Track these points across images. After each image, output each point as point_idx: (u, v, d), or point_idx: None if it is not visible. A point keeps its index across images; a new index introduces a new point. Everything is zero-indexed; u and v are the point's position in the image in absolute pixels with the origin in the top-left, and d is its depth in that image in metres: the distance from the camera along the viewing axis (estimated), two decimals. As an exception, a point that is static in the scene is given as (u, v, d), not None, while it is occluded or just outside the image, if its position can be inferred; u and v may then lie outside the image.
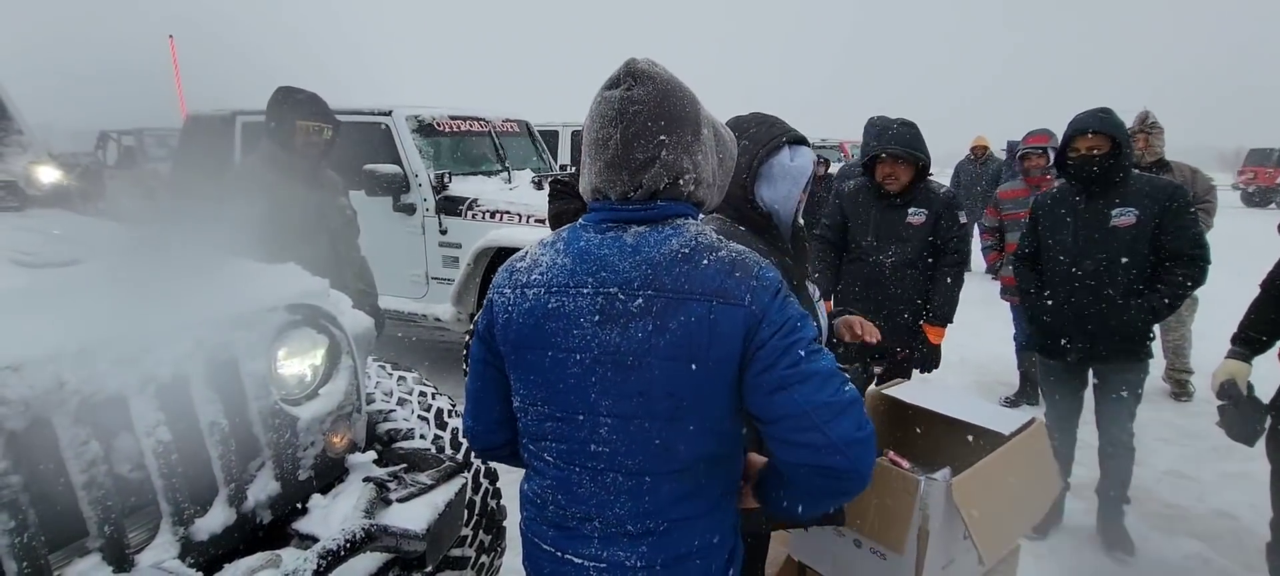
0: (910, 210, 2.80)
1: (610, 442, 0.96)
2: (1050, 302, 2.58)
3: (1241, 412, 2.01)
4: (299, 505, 1.45)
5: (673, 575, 1.00)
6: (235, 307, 1.35)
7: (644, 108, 0.95)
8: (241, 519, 1.31)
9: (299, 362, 1.49)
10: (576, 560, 1.00)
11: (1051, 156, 3.67)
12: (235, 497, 1.31)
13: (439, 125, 4.44)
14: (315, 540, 1.38)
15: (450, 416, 2.09)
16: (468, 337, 3.85)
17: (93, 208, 2.08)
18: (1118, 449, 2.58)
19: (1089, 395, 2.72)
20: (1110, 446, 2.59)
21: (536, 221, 3.86)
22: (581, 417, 0.97)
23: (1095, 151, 2.42)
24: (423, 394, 2.08)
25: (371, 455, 1.63)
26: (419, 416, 1.99)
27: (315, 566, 1.14)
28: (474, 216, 4.02)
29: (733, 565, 1.08)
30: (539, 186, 4.38)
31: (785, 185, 1.68)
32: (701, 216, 1.14)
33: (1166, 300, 2.39)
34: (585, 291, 0.95)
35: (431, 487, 1.55)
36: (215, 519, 1.27)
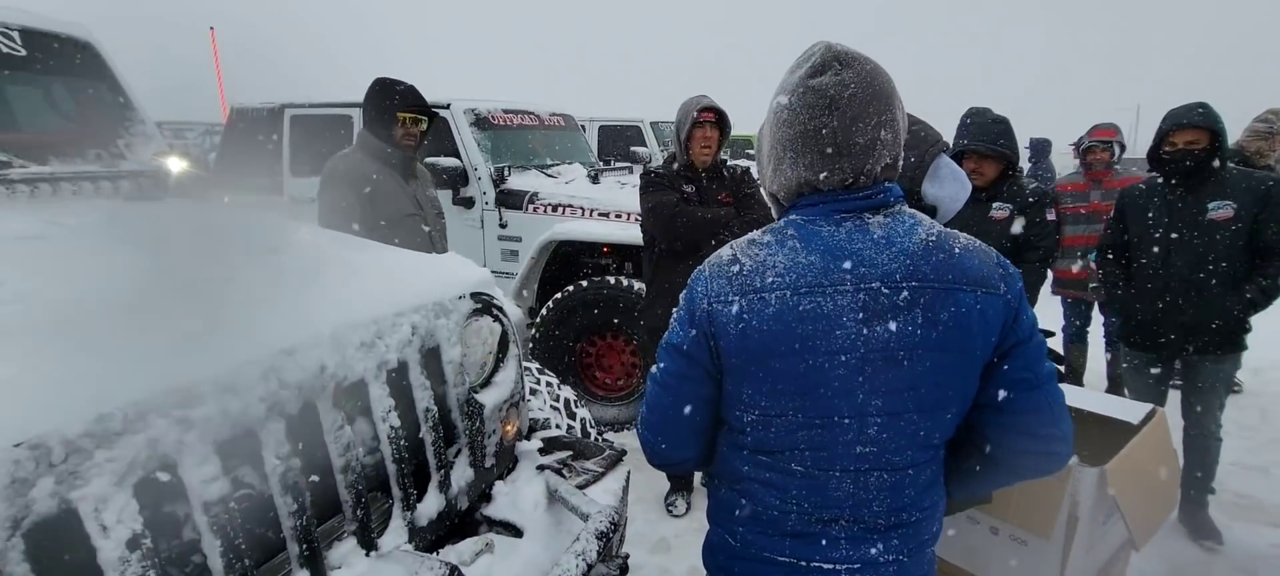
0: (994, 205, 2.83)
1: (878, 441, 0.94)
2: (1147, 295, 2.62)
3: None
4: (485, 492, 1.46)
5: (915, 563, 1.01)
6: (434, 295, 1.36)
7: (859, 91, 0.92)
8: (448, 505, 1.33)
9: (480, 350, 1.50)
10: (825, 566, 0.98)
11: (1116, 151, 3.73)
12: (443, 484, 1.32)
13: (493, 118, 4.44)
14: (509, 526, 1.40)
15: (577, 406, 2.11)
16: (532, 331, 3.86)
17: (210, 196, 2.08)
18: (1207, 439, 2.64)
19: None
20: (1200, 436, 2.64)
21: (599, 215, 3.87)
22: (847, 420, 0.93)
23: (1195, 146, 2.45)
24: (550, 385, 2.10)
25: (537, 443, 1.65)
26: (552, 407, 2.01)
27: (597, 548, 1.15)
28: (536, 210, 4.02)
29: None
30: (595, 180, 4.40)
31: (953, 186, 1.72)
32: None
33: (1265, 293, 2.43)
34: (845, 288, 0.91)
35: (603, 474, 1.57)
36: (430, 505, 1.28)
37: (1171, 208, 2.56)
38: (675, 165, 2.72)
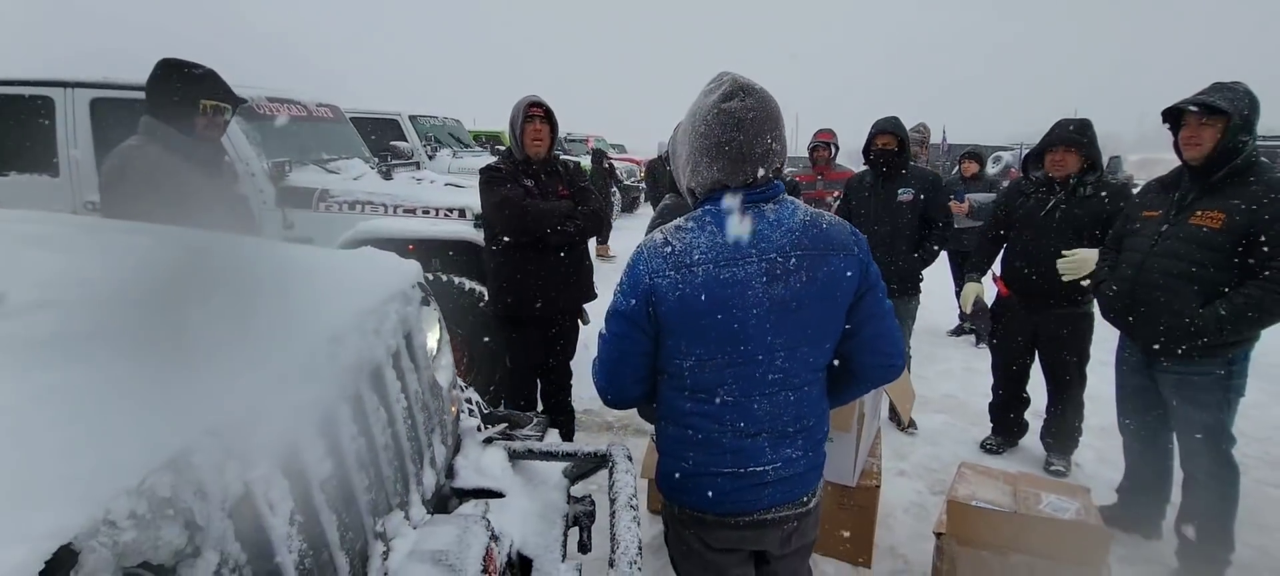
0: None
1: (784, 370, 1.27)
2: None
3: (983, 317, 3.17)
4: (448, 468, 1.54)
5: (816, 455, 1.38)
6: (397, 285, 1.41)
7: (757, 114, 1.23)
8: (438, 478, 1.40)
9: (430, 337, 1.56)
10: (757, 468, 1.29)
11: (832, 151, 4.87)
12: (433, 460, 1.39)
13: (258, 108, 3.97)
14: (488, 491, 1.52)
15: (465, 389, 2.19)
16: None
17: None
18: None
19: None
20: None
21: (405, 211, 3.78)
22: (761, 357, 1.24)
23: (888, 147, 3.45)
24: (440, 374, 2.14)
25: (475, 421, 1.74)
26: (449, 393, 2.07)
27: (626, 465, 1.34)
28: (329, 208, 3.75)
29: None
30: (387, 176, 4.23)
31: None
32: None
33: (933, 251, 3.54)
34: (752, 260, 1.22)
35: (543, 436, 1.75)
36: (429, 479, 1.35)
37: (875, 192, 3.55)
38: (514, 161, 2.87)
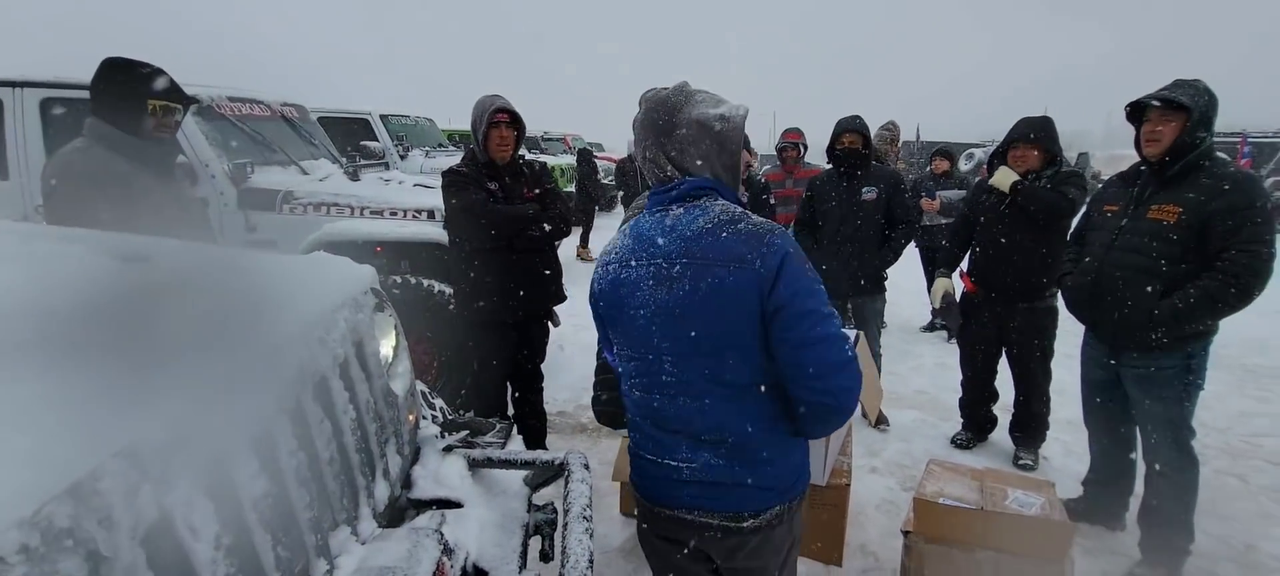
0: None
1: (674, 375, 1.24)
2: (828, 253, 3.60)
3: (953, 313, 3.20)
4: (405, 479, 1.50)
5: (756, 475, 1.24)
6: (348, 292, 1.36)
7: (642, 120, 1.32)
8: (391, 490, 1.36)
9: (385, 344, 1.52)
10: (672, 463, 1.29)
11: (800, 150, 4.88)
12: (386, 471, 1.35)
13: (219, 108, 3.86)
14: (446, 502, 1.48)
15: (433, 396, 2.15)
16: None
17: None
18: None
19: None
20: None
21: (372, 213, 3.71)
22: (651, 357, 1.27)
23: (853, 146, 3.47)
24: (402, 380, 2.09)
25: (434, 429, 1.70)
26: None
27: (582, 475, 1.31)
28: (293, 210, 3.66)
29: (801, 483, 1.33)
30: (355, 177, 4.15)
31: None
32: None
33: (895, 251, 3.56)
34: (641, 263, 1.26)
35: (505, 443, 1.71)
36: (381, 492, 1.30)
37: (840, 191, 3.57)
38: (477, 163, 2.81)
